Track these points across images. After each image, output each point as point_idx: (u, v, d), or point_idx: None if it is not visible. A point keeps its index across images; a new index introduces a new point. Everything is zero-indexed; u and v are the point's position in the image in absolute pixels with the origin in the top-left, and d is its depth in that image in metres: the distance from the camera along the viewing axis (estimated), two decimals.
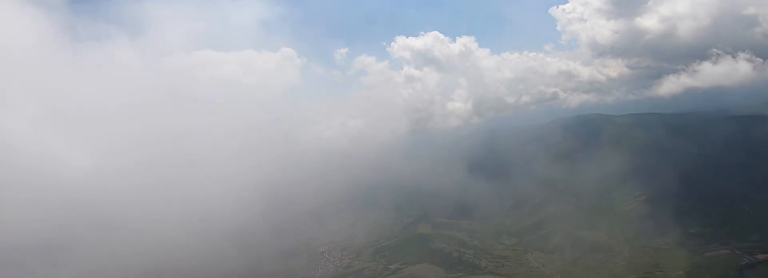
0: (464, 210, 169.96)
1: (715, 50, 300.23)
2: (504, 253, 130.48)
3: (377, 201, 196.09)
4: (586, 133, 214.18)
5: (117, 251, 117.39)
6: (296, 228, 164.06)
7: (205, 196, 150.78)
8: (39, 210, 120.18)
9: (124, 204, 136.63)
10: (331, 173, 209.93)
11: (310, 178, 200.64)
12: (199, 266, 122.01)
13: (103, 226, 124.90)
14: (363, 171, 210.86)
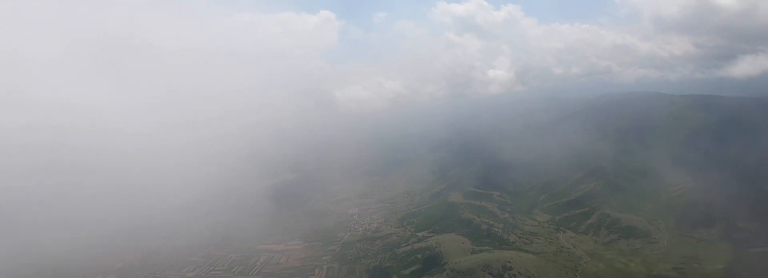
0: (498, 181, 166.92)
1: None
2: (534, 230, 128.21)
3: (410, 165, 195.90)
4: (638, 110, 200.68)
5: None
6: (327, 187, 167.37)
7: (238, 150, 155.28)
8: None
9: (161, 162, 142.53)
10: (365, 133, 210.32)
11: (344, 138, 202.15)
12: (234, 220, 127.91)
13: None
14: (397, 133, 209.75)
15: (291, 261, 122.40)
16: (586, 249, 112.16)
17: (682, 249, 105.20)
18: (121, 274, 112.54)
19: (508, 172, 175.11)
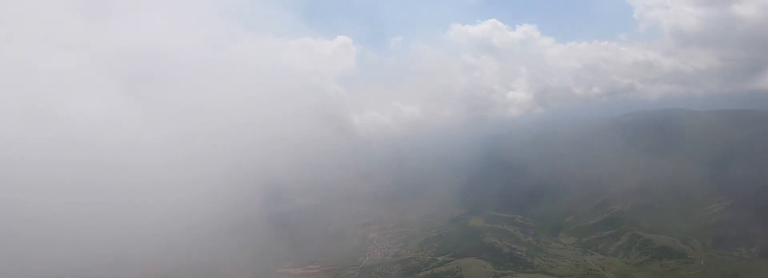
0: (520, 204, 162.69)
1: None
2: (559, 252, 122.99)
3: (430, 190, 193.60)
4: (665, 128, 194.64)
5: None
6: (347, 212, 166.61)
7: (256, 175, 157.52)
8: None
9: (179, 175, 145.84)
10: (385, 158, 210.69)
11: (363, 163, 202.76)
12: (250, 243, 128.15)
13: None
14: (416, 157, 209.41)
15: None
16: (616, 271, 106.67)
17: (720, 268, 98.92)
18: None
19: (530, 195, 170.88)
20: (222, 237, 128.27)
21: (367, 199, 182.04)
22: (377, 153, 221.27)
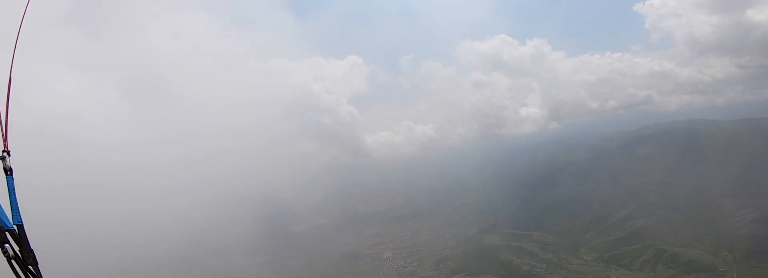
0: (538, 221, 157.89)
1: None
2: (581, 269, 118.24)
3: (444, 208, 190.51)
4: (686, 139, 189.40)
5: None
6: (361, 231, 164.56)
7: (271, 194, 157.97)
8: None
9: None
10: (398, 178, 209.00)
11: (377, 183, 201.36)
12: (267, 262, 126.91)
13: None
14: (430, 176, 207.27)
15: None
16: None
17: None
18: None
19: (548, 212, 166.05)
20: (239, 257, 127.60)
21: (380, 219, 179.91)
22: (390, 172, 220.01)
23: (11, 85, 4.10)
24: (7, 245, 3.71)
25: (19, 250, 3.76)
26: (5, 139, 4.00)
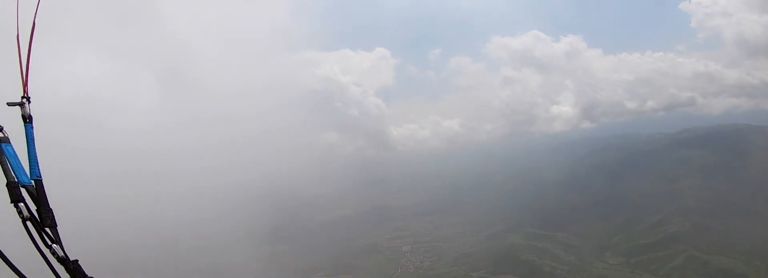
0: (563, 222, 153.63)
1: None
2: (605, 272, 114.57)
3: (467, 205, 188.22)
4: (729, 144, 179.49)
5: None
6: (381, 224, 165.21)
7: (292, 183, 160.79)
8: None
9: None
10: (422, 172, 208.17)
11: (400, 176, 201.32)
12: (285, 251, 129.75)
13: None
14: (455, 172, 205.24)
15: None
16: None
17: None
18: None
19: (575, 213, 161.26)
20: (259, 245, 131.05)
21: (402, 213, 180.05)
22: (415, 166, 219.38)
23: (34, 29, 3.65)
24: (21, 204, 3.11)
25: (37, 209, 3.17)
26: (25, 85, 3.52)
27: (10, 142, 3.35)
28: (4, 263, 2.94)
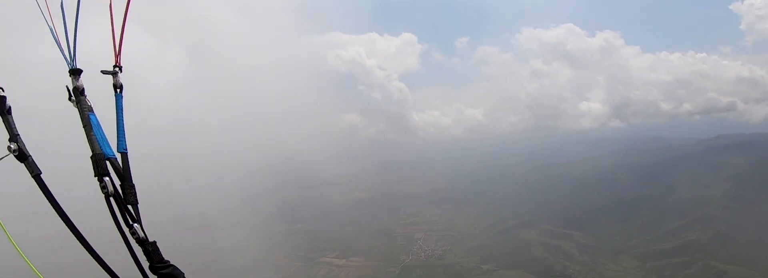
0: (581, 221, 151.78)
1: None
2: (617, 275, 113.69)
3: (484, 196, 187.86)
4: (763, 153, 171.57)
5: None
6: (396, 209, 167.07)
7: (312, 164, 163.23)
8: None
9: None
10: (441, 160, 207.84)
11: (419, 162, 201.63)
12: (299, 230, 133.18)
13: None
14: (474, 162, 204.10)
15: (350, 277, 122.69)
16: None
17: None
18: None
19: (592, 213, 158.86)
20: (274, 223, 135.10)
21: (419, 199, 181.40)
22: (435, 153, 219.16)
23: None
24: (107, 178, 2.96)
25: (120, 185, 3.03)
26: (118, 54, 3.40)
27: (94, 112, 3.24)
28: (86, 250, 2.92)
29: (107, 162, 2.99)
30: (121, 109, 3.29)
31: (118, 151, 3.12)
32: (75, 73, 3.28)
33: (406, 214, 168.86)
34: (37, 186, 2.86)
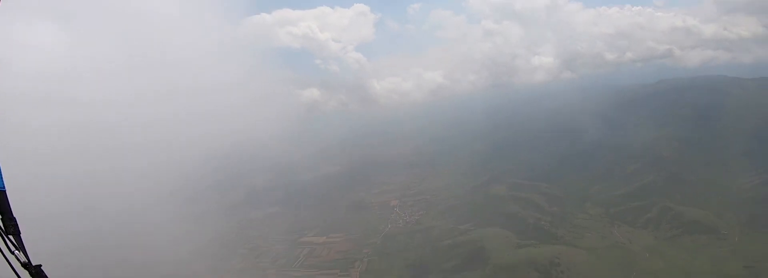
0: (545, 172, 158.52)
1: None
2: (586, 223, 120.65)
3: (451, 157, 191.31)
4: (704, 95, 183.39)
5: None
6: (368, 179, 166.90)
7: (276, 146, 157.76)
8: None
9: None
10: (406, 125, 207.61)
11: (384, 130, 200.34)
12: (276, 213, 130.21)
13: None
14: (438, 124, 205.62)
15: (332, 253, 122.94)
16: (645, 245, 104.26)
17: (754, 246, 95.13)
18: None
19: (556, 163, 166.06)
20: (249, 210, 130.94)
21: (389, 167, 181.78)
22: (399, 120, 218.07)
23: None
24: None
25: (1, 218, 3.45)
26: None
27: None
28: None
29: None
30: None
31: None
32: None
33: (379, 183, 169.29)
34: None
